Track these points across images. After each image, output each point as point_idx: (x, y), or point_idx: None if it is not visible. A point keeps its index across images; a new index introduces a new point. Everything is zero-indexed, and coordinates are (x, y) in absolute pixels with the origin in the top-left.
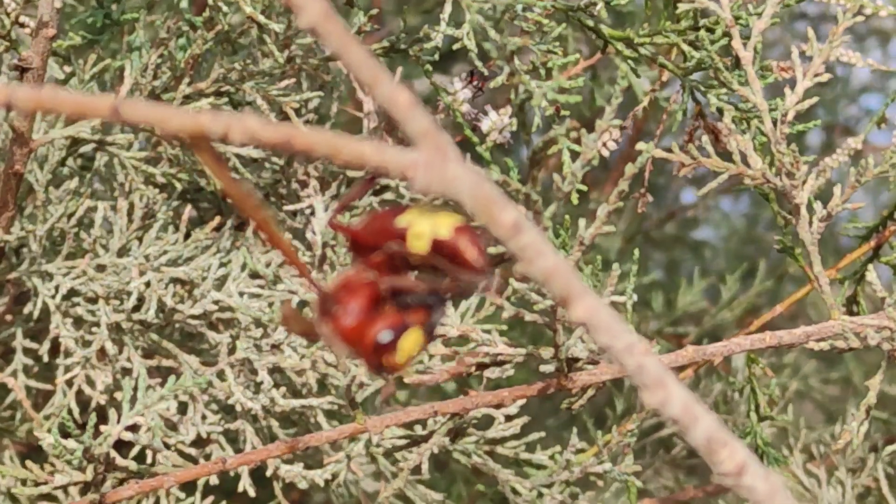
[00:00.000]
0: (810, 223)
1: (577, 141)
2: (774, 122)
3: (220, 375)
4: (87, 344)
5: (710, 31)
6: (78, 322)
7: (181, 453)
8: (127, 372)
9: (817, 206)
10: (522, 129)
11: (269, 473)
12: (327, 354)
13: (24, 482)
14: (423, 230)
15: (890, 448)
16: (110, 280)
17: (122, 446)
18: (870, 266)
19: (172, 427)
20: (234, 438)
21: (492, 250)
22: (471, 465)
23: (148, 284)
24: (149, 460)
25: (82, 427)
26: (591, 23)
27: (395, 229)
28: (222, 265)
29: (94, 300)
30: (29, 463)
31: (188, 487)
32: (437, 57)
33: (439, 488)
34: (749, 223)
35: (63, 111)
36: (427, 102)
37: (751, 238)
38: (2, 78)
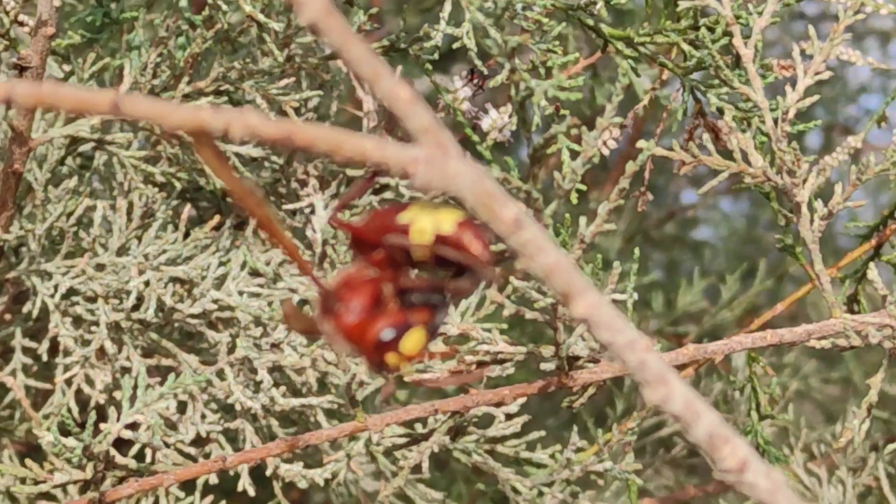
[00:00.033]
0: (811, 221)
1: (578, 139)
2: (775, 121)
3: (220, 374)
4: (86, 343)
5: (711, 30)
6: (77, 321)
7: (181, 452)
8: (126, 371)
9: (818, 204)
10: (523, 126)
11: (268, 472)
12: (327, 353)
13: (23, 480)
14: (425, 226)
15: (891, 447)
16: (109, 279)
17: (121, 445)
18: (871, 264)
19: (172, 426)
20: (233, 438)
21: (492, 248)
22: (471, 463)
23: (147, 283)
24: (148, 459)
25: (82, 426)
26: (591, 22)
27: (398, 226)
28: (222, 264)
29: (93, 299)
30: (28, 461)
31: (187, 486)
32: (436, 56)
33: (439, 487)
34: (749, 223)
35: (63, 107)
36: (427, 102)
37: (750, 238)
38: (1, 76)
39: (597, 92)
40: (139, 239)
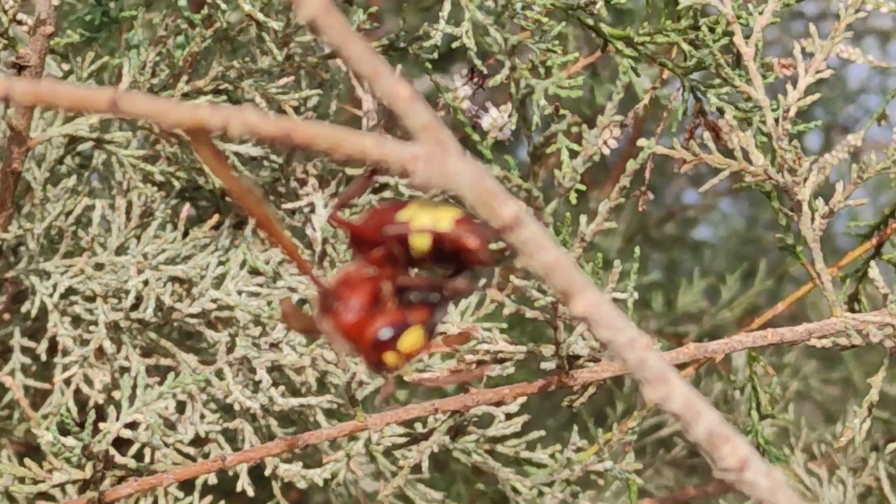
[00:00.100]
0: (812, 220)
1: (578, 137)
2: (776, 120)
3: (219, 374)
4: (85, 343)
5: (711, 29)
6: (76, 321)
7: (180, 452)
8: (125, 371)
9: (819, 203)
10: (523, 124)
11: (267, 473)
12: (327, 352)
13: (21, 480)
14: (423, 224)
15: (891, 446)
16: (108, 278)
17: (120, 444)
18: (872, 263)
19: (171, 426)
20: (232, 438)
21: (492, 247)
22: (471, 463)
23: (146, 283)
24: (147, 459)
25: (81, 425)
26: (590, 21)
27: (397, 223)
28: (221, 263)
29: (92, 299)
30: (27, 461)
31: (187, 486)
32: (436, 55)
33: (439, 487)
34: (749, 223)
35: (61, 105)
36: (427, 101)
37: (750, 238)
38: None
39: (597, 91)
40: (138, 238)
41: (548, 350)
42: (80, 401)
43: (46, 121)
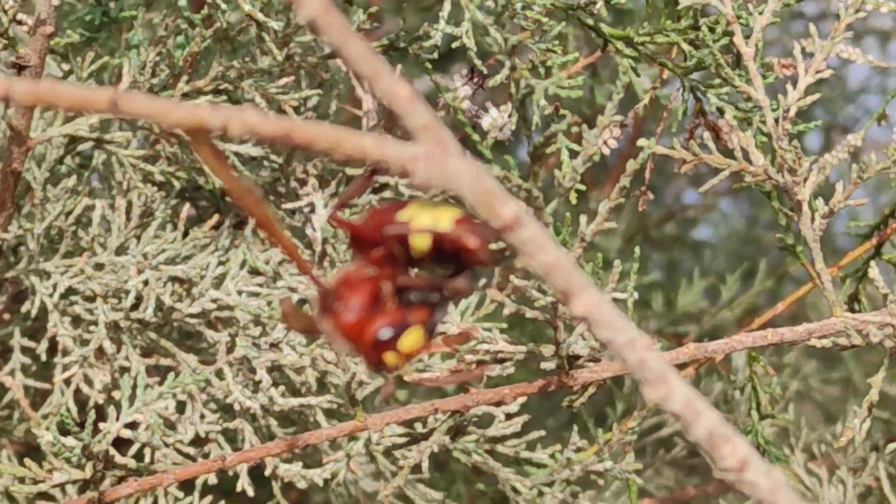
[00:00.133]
0: (812, 220)
1: (578, 137)
2: (776, 120)
3: (219, 374)
4: (85, 343)
5: (711, 29)
6: (76, 321)
7: (180, 452)
8: (125, 371)
9: (819, 203)
10: (523, 124)
11: (267, 473)
12: (327, 352)
13: (21, 480)
14: (423, 224)
15: (891, 446)
16: (108, 278)
17: (120, 444)
18: (872, 263)
19: (171, 426)
20: (232, 438)
21: (492, 247)
22: (471, 464)
23: (146, 283)
24: (147, 459)
25: (81, 425)
26: (590, 21)
27: (397, 223)
28: (221, 263)
29: (92, 299)
30: (27, 461)
31: (186, 487)
32: (436, 55)
33: (439, 487)
34: (748, 223)
35: (61, 105)
36: (427, 101)
37: (750, 238)
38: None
39: (597, 91)
40: (138, 238)
41: (548, 350)
42: (80, 401)
43: (46, 121)
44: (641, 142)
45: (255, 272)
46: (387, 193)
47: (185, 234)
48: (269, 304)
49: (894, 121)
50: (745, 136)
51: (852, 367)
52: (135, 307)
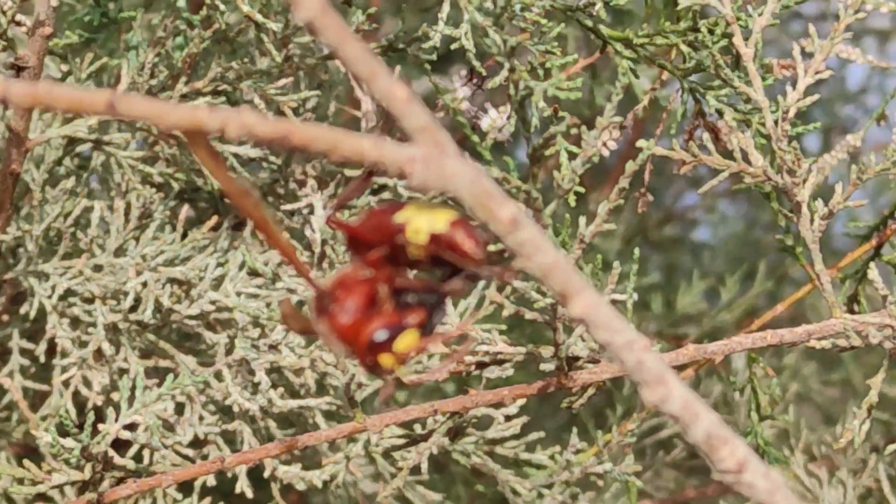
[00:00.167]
0: (811, 221)
1: (578, 138)
2: (775, 121)
3: (218, 376)
4: (83, 344)
5: (710, 31)
6: (74, 322)
7: (178, 454)
8: (124, 372)
9: (818, 204)
10: (522, 126)
11: (266, 475)
12: (326, 354)
13: (20, 481)
14: (420, 225)
15: (891, 448)
16: (107, 280)
17: (119, 446)
18: (871, 264)
19: (170, 428)
20: (231, 440)
21: (491, 248)
22: (470, 465)
23: (145, 284)
24: (146, 461)
25: (80, 427)
26: (589, 23)
27: (394, 225)
28: (219, 265)
29: (90, 300)
30: (27, 462)
31: (185, 488)
32: (435, 57)
33: (438, 489)
34: (748, 225)
35: (59, 107)
36: (426, 102)
37: (749, 240)
38: None
39: (596, 92)
40: (137, 240)
41: (547, 351)
42: (79, 403)
43: (45, 122)
44: (641, 143)
45: (254, 273)
46: (385, 195)
47: (184, 236)
48: (268, 305)
49: (894, 121)
50: (745, 137)
51: (852, 369)
52: (133, 309)
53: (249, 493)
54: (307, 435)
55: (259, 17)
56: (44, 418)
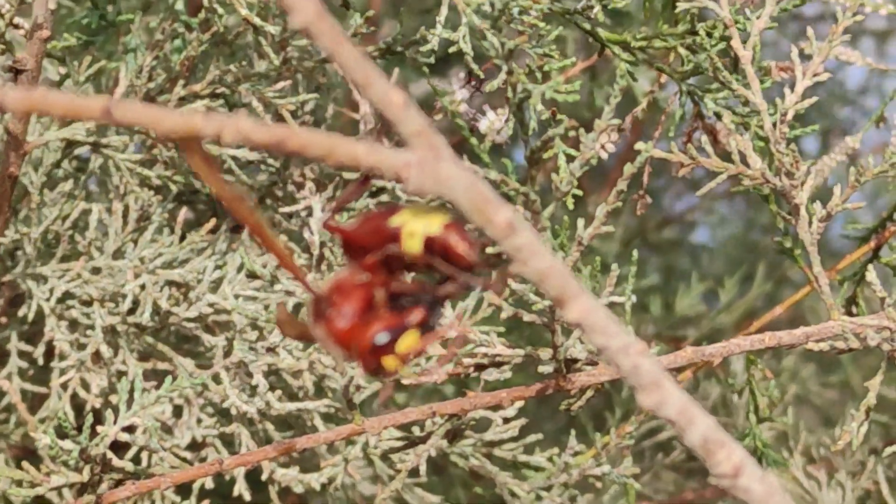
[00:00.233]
0: (810, 223)
1: (576, 141)
2: (774, 124)
3: (216, 378)
4: (82, 347)
5: (709, 34)
6: (73, 325)
7: (177, 457)
8: (122, 375)
9: (816, 206)
10: (521, 128)
11: (264, 477)
12: (324, 356)
13: (19, 483)
14: (415, 229)
15: (890, 449)
16: (105, 283)
17: (118, 448)
18: (869, 267)
19: (168, 431)
20: (229, 442)
21: (489, 250)
22: (468, 468)
23: (143, 287)
24: (145, 463)
25: (79, 429)
26: (587, 26)
27: (389, 229)
28: (218, 267)
29: (88, 303)
30: (25, 464)
31: (184, 491)
32: (433, 59)
33: (437, 491)
34: (746, 227)
35: (55, 113)
36: (425, 105)
37: (748, 242)
38: None
39: (596, 94)
40: (135, 242)
41: (545, 354)
42: (77, 405)
43: (43, 125)
44: (639, 145)
45: (252, 276)
46: (384, 197)
47: (182, 238)
48: (266, 307)
49: (893, 123)
50: (743, 139)
51: (851, 371)
52: (132, 311)
53: (247, 496)
54: (305, 437)
55: (257, 21)
56: (42, 421)
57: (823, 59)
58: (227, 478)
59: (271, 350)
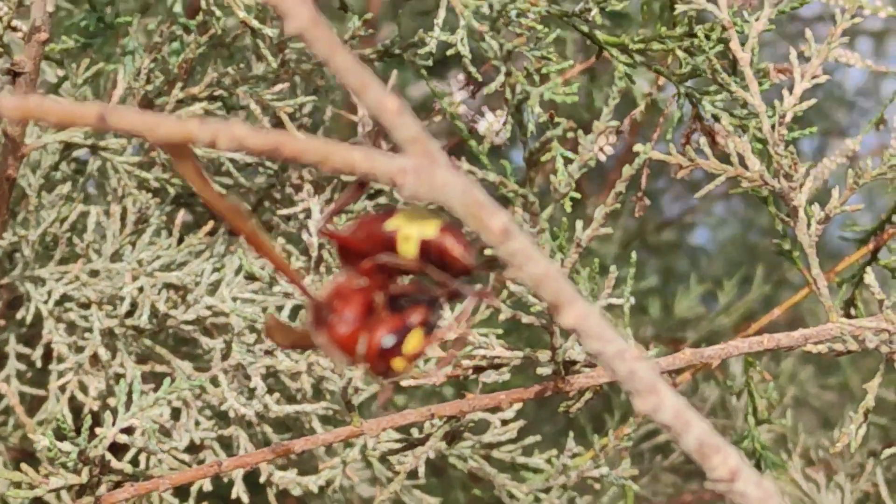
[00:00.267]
0: (808, 225)
1: (575, 142)
2: (772, 126)
3: (214, 381)
4: (79, 349)
5: (707, 36)
6: (71, 327)
7: (175, 459)
8: (120, 377)
9: (815, 208)
10: (519, 129)
11: (262, 480)
12: (322, 358)
13: (18, 485)
14: (411, 233)
15: (888, 451)
16: (103, 285)
17: (116, 450)
18: (868, 269)
19: (166, 433)
20: (227, 445)
21: (487, 252)
22: (467, 469)
23: (141, 290)
24: (143, 465)
25: (77, 431)
26: (585, 28)
27: (384, 234)
28: (216, 270)
29: (86, 305)
30: (24, 465)
31: (182, 494)
32: (430, 62)
33: (436, 493)
34: (745, 229)
35: (50, 120)
36: (424, 106)
37: (747, 244)
38: None
39: (595, 95)
40: (133, 245)
41: (544, 355)
42: (75, 408)
43: (41, 128)
44: (638, 147)
45: (251, 278)
46: (382, 199)
47: (181, 241)
48: (264, 310)
49: (892, 125)
50: (741, 141)
51: (849, 373)
52: (130, 314)
53: (245, 499)
54: (304, 439)
55: (255, 23)
56: (40, 423)
57: (822, 62)
58: (226, 480)
59: (269, 352)
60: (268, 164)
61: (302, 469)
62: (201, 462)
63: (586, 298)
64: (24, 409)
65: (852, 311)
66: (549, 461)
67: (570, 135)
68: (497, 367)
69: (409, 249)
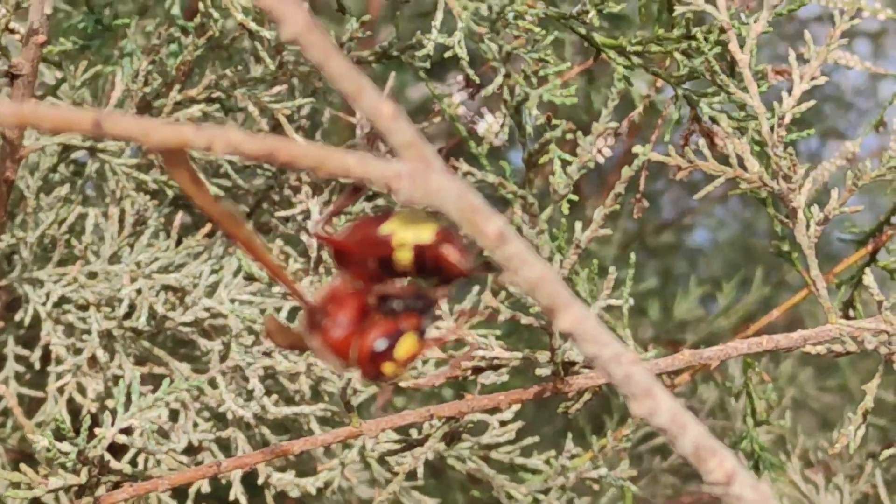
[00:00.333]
0: (807, 227)
1: (574, 144)
2: (771, 127)
3: (212, 383)
4: (78, 351)
5: (705, 38)
6: (69, 329)
7: (173, 460)
8: (118, 379)
9: (814, 209)
10: (518, 131)
11: (260, 481)
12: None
13: (17, 486)
14: (406, 237)
15: (887, 453)
16: (101, 287)
17: (115, 451)
18: (867, 270)
19: (164, 435)
20: (226, 446)
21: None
22: (466, 471)
23: (139, 291)
24: (142, 466)
25: (76, 431)
26: (583, 30)
27: (379, 238)
28: (214, 272)
29: (85, 307)
30: (23, 466)
31: (180, 496)
32: (428, 64)
33: (435, 494)
34: (744, 231)
35: (45, 125)
36: (422, 108)
37: (746, 245)
38: None
39: (593, 97)
40: (131, 247)
41: (543, 356)
42: (74, 410)
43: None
44: (637, 149)
45: (249, 279)
46: (380, 201)
47: (179, 243)
48: (262, 311)
49: (891, 128)
50: (740, 142)
51: (848, 375)
52: (128, 316)
53: (243, 500)
54: (303, 440)
55: (253, 26)
56: (39, 425)
57: (821, 63)
58: (224, 482)
59: (267, 354)
60: (266, 165)
61: (300, 470)
62: (199, 464)
63: (584, 300)
64: (22, 410)
65: (851, 313)
66: (547, 462)
67: (568, 136)
68: (496, 368)
69: (403, 255)
